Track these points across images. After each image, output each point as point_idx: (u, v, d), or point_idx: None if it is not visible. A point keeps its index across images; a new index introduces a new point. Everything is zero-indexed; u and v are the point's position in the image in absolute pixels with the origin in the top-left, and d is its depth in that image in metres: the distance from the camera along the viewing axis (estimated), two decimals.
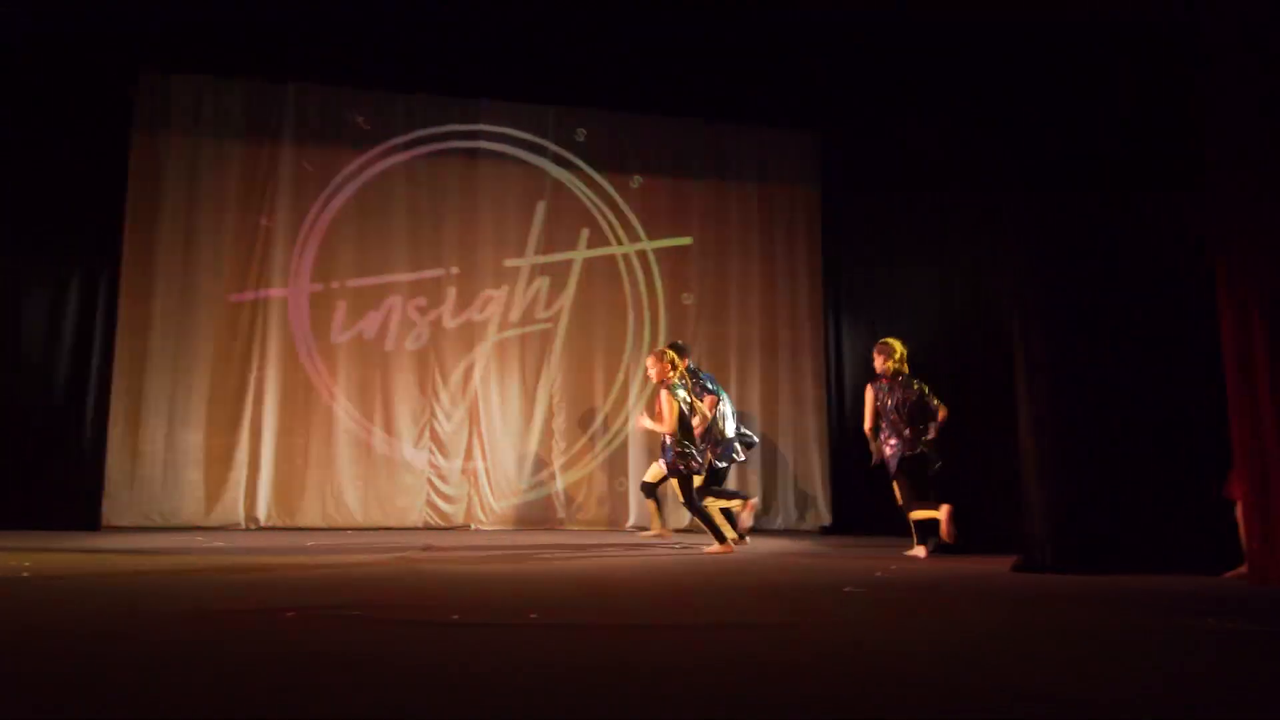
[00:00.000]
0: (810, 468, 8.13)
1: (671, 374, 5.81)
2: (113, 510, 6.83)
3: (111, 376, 6.87)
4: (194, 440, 7.11)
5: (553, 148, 8.04)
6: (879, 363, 5.74)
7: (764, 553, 5.86)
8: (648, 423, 5.96)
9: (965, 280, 6.95)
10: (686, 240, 8.24)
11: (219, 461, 7.12)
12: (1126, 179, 4.87)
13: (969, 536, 5.43)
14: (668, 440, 5.75)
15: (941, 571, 4.78)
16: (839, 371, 8.10)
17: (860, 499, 7.52)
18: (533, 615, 3.06)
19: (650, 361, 5.99)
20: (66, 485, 6.59)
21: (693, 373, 6.43)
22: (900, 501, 5.65)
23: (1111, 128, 4.95)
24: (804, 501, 8.08)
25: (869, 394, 5.75)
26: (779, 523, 7.95)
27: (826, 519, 7.94)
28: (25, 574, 4.18)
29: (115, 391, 6.88)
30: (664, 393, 5.75)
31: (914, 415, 5.55)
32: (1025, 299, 4.99)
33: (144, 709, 1.90)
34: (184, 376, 7.14)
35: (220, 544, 5.86)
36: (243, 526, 7.03)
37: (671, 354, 5.89)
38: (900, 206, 7.59)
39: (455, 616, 3.01)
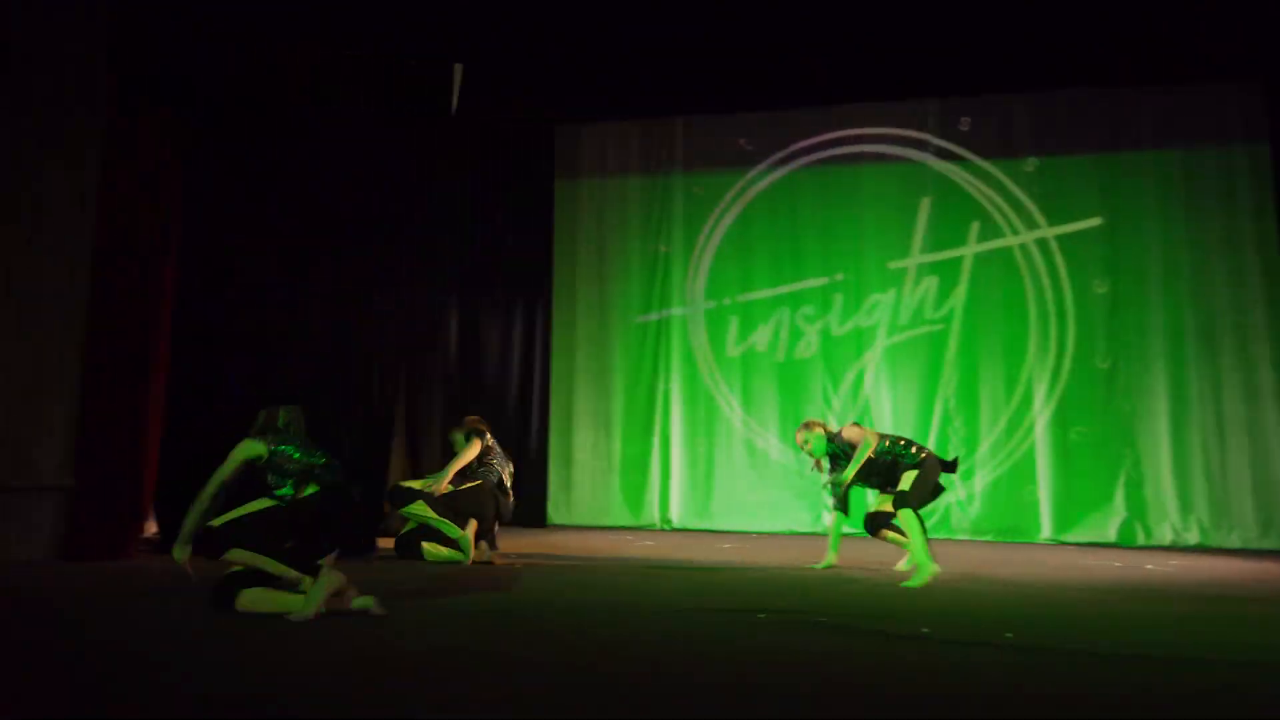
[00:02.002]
0: (1272, 473, 6.87)
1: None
2: (555, 510, 7.89)
3: (549, 393, 7.98)
4: (614, 448, 7.97)
5: (935, 141, 7.73)
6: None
7: (1218, 577, 5.09)
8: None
9: None
10: (1095, 222, 7.43)
11: (635, 467, 7.90)
12: None
13: None
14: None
15: None
16: None
17: None
18: (1008, 634, 2.96)
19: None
20: (519, 488, 7.74)
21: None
22: None
23: None
24: (1266, 514, 6.85)
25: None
26: (1234, 540, 6.82)
27: None
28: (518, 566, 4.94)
29: (553, 406, 8.00)
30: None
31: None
32: None
33: (651, 702, 2.14)
34: (604, 391, 8.04)
35: (649, 543, 6.46)
36: (658, 527, 7.70)
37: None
38: None
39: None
